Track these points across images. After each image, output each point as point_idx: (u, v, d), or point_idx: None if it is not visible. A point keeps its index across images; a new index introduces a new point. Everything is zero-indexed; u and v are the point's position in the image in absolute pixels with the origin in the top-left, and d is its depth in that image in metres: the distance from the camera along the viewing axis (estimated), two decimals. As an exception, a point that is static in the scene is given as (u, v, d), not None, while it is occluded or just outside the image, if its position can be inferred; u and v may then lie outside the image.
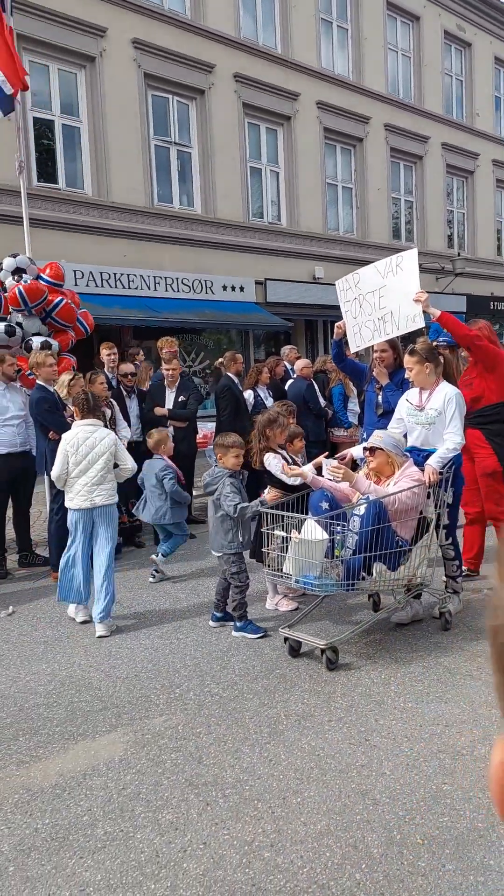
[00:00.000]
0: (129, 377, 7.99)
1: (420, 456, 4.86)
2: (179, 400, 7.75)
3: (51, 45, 12.94)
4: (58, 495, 6.46)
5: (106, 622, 5.15)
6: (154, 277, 14.32)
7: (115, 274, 13.67)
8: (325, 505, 4.68)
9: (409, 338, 5.71)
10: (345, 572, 4.44)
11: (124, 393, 7.86)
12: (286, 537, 4.53)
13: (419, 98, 20.54)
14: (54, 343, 7.47)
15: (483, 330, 5.59)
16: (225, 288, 15.59)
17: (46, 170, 13.32)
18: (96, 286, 13.37)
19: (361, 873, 2.59)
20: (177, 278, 14.70)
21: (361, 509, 4.45)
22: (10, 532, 7.31)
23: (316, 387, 9.07)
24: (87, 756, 3.49)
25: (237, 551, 4.93)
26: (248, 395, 8.56)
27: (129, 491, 7.63)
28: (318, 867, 2.64)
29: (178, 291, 14.75)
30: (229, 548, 4.93)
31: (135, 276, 13.99)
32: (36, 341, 7.35)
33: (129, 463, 5.44)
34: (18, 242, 8.98)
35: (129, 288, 13.91)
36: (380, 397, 5.76)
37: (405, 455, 4.80)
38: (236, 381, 8.60)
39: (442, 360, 5.05)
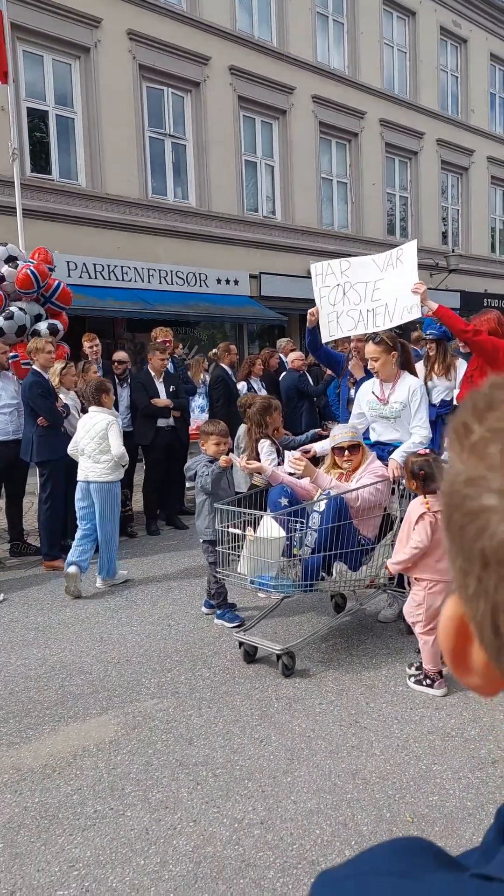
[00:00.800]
0: (117, 364, 7.93)
1: (385, 451, 4.69)
2: (171, 390, 7.72)
3: (45, 35, 12.87)
4: (46, 483, 6.44)
5: (105, 580, 5.85)
6: (148, 270, 14.28)
7: (108, 266, 13.63)
8: (283, 501, 4.47)
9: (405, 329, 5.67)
10: (303, 572, 4.22)
11: (116, 381, 7.82)
12: (241, 535, 4.28)
13: (414, 94, 20.54)
14: (59, 324, 7.45)
15: (489, 322, 5.45)
16: (219, 281, 15.57)
17: (40, 161, 13.27)
18: (90, 277, 13.32)
19: (351, 850, 2.60)
20: (171, 271, 14.67)
21: (321, 505, 4.26)
22: (1, 521, 7.29)
23: (309, 378, 9.07)
24: (77, 737, 3.49)
25: (213, 539, 4.91)
26: (242, 386, 8.56)
27: (122, 480, 7.63)
28: (308, 844, 2.64)
29: (172, 284, 14.72)
30: (205, 534, 4.94)
31: (128, 268, 13.95)
32: (43, 326, 7.31)
33: (113, 449, 5.74)
34: (11, 233, 8.95)
35: (123, 280, 13.87)
36: (352, 392, 5.47)
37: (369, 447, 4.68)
38: (230, 372, 8.61)
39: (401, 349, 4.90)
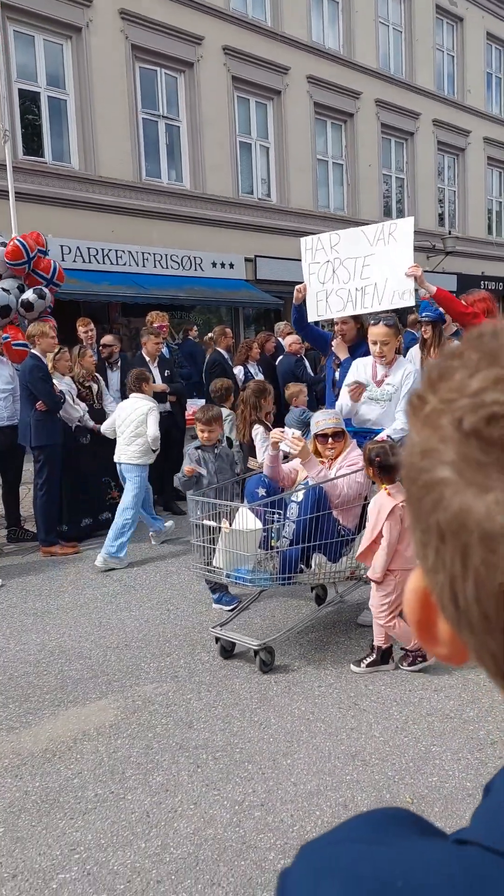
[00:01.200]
0: (103, 348, 7.87)
1: (365, 439, 4.53)
2: (166, 375, 7.68)
3: (36, 15, 12.69)
4: (42, 469, 6.41)
5: (105, 558, 5.88)
6: (142, 253, 14.18)
7: (102, 250, 13.53)
8: (261, 491, 4.31)
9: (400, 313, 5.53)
10: (281, 564, 4.07)
11: (106, 365, 7.78)
12: (216, 527, 4.10)
13: (410, 73, 20.34)
14: (47, 293, 7.37)
15: (484, 302, 5.32)
16: (214, 265, 15.47)
17: (32, 143, 13.13)
18: (83, 262, 13.23)
19: (351, 831, 2.61)
20: (165, 254, 14.57)
21: (300, 496, 4.12)
22: (-2, 507, 7.28)
23: (306, 362, 9.03)
24: (77, 722, 3.49)
25: None
26: (238, 370, 8.51)
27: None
28: (309, 825, 2.65)
29: (167, 268, 14.62)
30: None
31: (122, 251, 13.85)
32: (30, 294, 7.25)
33: (150, 431, 6.09)
34: (4, 217, 8.87)
35: (117, 264, 13.78)
36: (338, 374, 5.23)
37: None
38: (226, 356, 8.55)
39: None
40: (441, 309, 5.43)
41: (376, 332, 4.54)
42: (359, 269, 4.86)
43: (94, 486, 7.05)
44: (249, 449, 5.63)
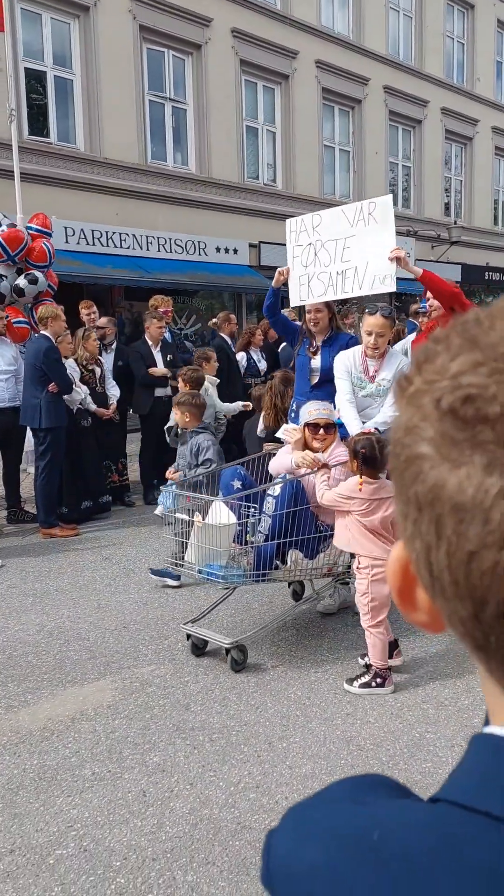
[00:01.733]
0: (98, 330, 7.85)
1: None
2: (168, 359, 7.67)
3: (44, -7, 12.56)
4: (45, 451, 6.43)
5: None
6: (146, 237, 14.11)
7: (106, 232, 13.47)
8: (236, 484, 4.15)
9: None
10: (255, 561, 3.94)
11: (101, 346, 7.77)
12: (189, 521, 3.96)
13: (420, 60, 20.16)
14: (40, 277, 7.34)
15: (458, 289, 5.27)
16: (218, 250, 15.40)
17: (38, 123, 13.03)
18: (87, 244, 13.17)
19: (345, 813, 2.64)
20: (169, 238, 14.50)
21: (276, 490, 3.98)
22: (-1, 488, 7.30)
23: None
24: (75, 702, 3.53)
25: None
26: (241, 356, 8.51)
27: (119, 449, 7.64)
28: (303, 807, 2.68)
29: (171, 252, 14.56)
30: None
31: (126, 234, 13.78)
32: (22, 281, 7.23)
33: (218, 406, 6.61)
34: (9, 197, 8.82)
35: (121, 247, 13.72)
36: (314, 362, 4.96)
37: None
38: (229, 342, 8.55)
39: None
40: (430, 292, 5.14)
41: (373, 322, 4.31)
42: (339, 252, 4.66)
43: (95, 469, 7.07)
44: (270, 434, 5.68)
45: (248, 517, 3.97)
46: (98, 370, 7.22)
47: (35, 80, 12.97)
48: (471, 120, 22.00)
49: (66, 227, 12.62)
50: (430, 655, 3.95)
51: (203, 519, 3.85)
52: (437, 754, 3.00)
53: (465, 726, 3.22)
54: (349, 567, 4.20)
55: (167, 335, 7.94)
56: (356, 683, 3.58)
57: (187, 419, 5.04)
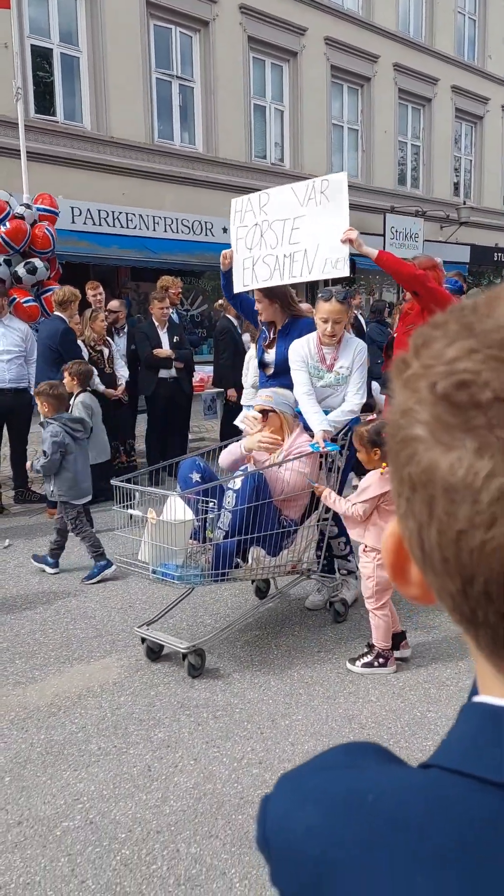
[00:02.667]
0: (111, 314, 7.87)
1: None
2: (174, 340, 7.67)
3: (49, -32, 12.41)
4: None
5: None
6: (153, 217, 14.04)
7: (113, 212, 13.41)
8: (195, 476, 3.88)
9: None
10: (213, 559, 3.67)
11: (112, 330, 7.78)
12: (142, 518, 3.68)
13: (430, 37, 19.86)
14: (40, 266, 7.31)
15: (433, 270, 4.94)
16: (226, 230, 15.26)
17: (44, 102, 12.94)
18: (94, 224, 13.12)
19: (346, 789, 2.69)
20: (176, 219, 14.43)
21: (237, 483, 3.74)
22: (6, 469, 7.34)
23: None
24: (81, 678, 3.58)
25: (62, 500, 4.96)
26: (247, 338, 8.49)
27: (127, 430, 7.66)
28: (304, 783, 2.73)
29: (178, 232, 14.49)
30: (51, 495, 5.03)
31: (133, 214, 13.72)
32: (21, 269, 7.22)
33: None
34: (15, 177, 8.79)
35: (128, 227, 13.66)
36: (268, 355, 4.61)
37: (296, 416, 4.13)
38: (236, 323, 8.52)
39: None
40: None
41: (328, 308, 4.03)
42: (287, 234, 4.34)
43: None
44: None
45: (206, 513, 3.68)
46: (106, 351, 7.23)
47: (41, 58, 12.86)
48: (481, 98, 21.71)
49: (72, 207, 12.57)
50: (432, 637, 3.98)
51: (157, 515, 3.58)
52: (438, 733, 3.04)
53: (466, 706, 3.26)
54: (316, 564, 4.16)
55: (174, 316, 7.92)
56: (359, 663, 3.61)
57: (45, 409, 5.01)
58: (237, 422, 4.08)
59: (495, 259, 22.06)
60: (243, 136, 15.67)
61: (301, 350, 4.16)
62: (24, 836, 2.50)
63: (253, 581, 4.48)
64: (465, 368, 0.43)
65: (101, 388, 6.98)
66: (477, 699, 0.50)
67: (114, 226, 13.42)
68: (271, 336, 4.60)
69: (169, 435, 7.85)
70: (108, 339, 7.32)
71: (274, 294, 4.47)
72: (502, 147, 23.01)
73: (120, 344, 7.81)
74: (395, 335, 5.67)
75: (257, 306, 4.58)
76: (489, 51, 21.78)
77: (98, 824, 2.54)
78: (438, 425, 0.44)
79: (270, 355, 4.58)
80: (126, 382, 7.43)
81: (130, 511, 3.72)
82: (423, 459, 0.45)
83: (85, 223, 12.92)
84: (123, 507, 3.73)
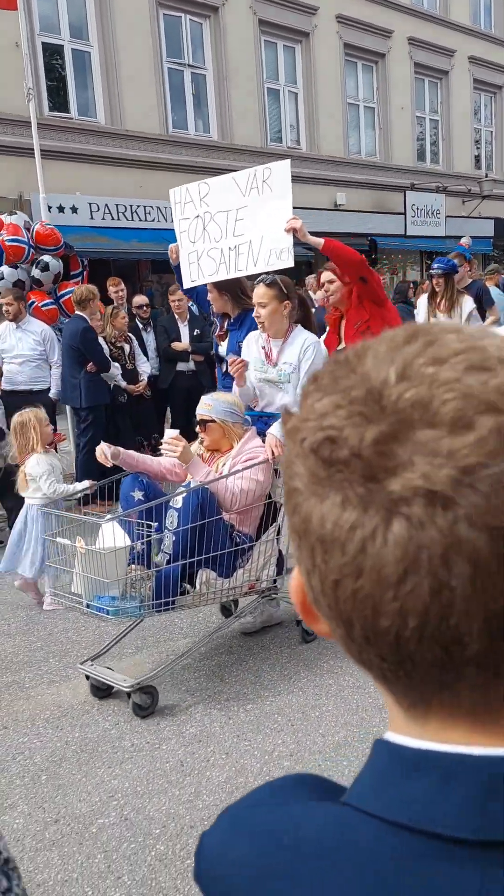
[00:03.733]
0: (144, 308, 7.92)
1: (265, 423, 3.86)
2: (195, 333, 7.68)
3: (56, -36, 12.39)
4: (88, 428, 6.56)
5: None
6: (170, 208, 14.00)
7: (131, 206, 13.42)
8: (137, 494, 3.51)
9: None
10: (155, 587, 3.30)
11: (140, 326, 7.81)
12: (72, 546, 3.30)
13: (444, 7, 19.44)
14: (51, 261, 7.28)
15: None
16: (244, 218, 15.25)
17: (58, 98, 12.97)
18: (112, 219, 13.15)
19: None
20: (194, 209, 14.39)
21: (179, 501, 3.38)
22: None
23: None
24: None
25: None
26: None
27: (151, 425, 7.71)
28: (336, 775, 2.74)
29: (196, 222, 14.45)
30: None
31: (151, 207, 13.71)
32: (35, 270, 7.26)
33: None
34: (31, 175, 8.85)
35: (146, 220, 13.67)
36: (221, 348, 4.44)
37: (246, 421, 3.79)
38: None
39: (297, 302, 3.89)
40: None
41: (256, 293, 3.83)
42: (231, 226, 4.18)
43: (130, 445, 7.16)
44: None
45: (147, 536, 3.32)
46: (127, 347, 7.27)
47: (53, 55, 12.88)
48: (500, 67, 21.22)
49: (90, 203, 12.62)
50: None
51: (88, 543, 3.23)
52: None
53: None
54: (275, 582, 3.79)
55: (193, 308, 7.93)
56: None
57: None
58: (163, 450, 3.56)
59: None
60: (258, 121, 15.55)
61: (250, 340, 4.01)
62: (62, 833, 2.55)
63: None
64: (329, 425, 0.45)
65: (124, 384, 7.03)
66: (385, 735, 0.51)
67: (132, 219, 13.45)
68: (223, 328, 4.49)
69: (189, 428, 7.88)
70: (130, 335, 7.36)
71: (223, 286, 4.36)
72: (524, 116, 22.49)
73: (149, 339, 7.85)
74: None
75: (209, 297, 4.48)
76: (506, 17, 21.24)
77: (133, 820, 2.58)
78: (311, 478, 0.46)
79: (223, 348, 4.46)
80: (150, 377, 7.47)
81: (58, 539, 3.39)
82: (302, 510, 0.46)
83: (104, 218, 12.96)
84: (52, 535, 3.45)
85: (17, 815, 2.66)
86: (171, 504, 3.43)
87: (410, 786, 0.46)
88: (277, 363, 3.86)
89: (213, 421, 3.62)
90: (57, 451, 5.09)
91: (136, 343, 7.45)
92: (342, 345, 4.44)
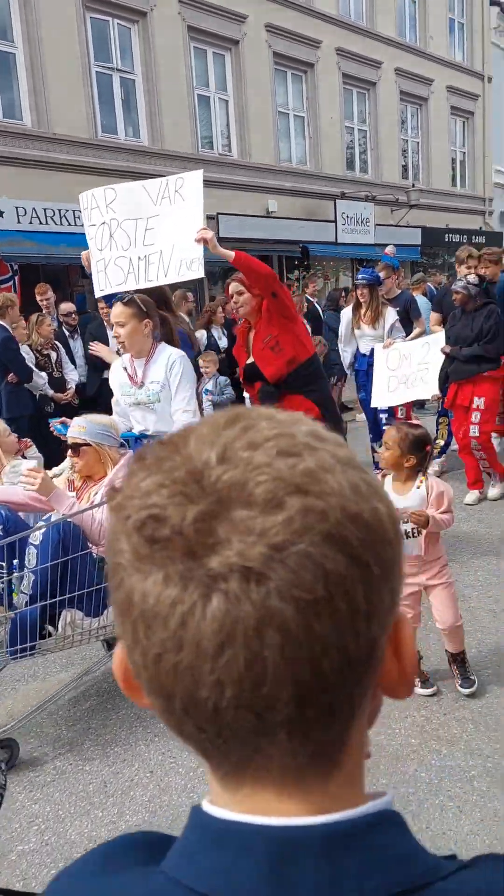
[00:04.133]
0: (73, 316, 7.82)
1: (142, 445, 3.29)
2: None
3: (-21, -38, 12.11)
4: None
5: None
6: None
7: (59, 210, 13.21)
8: None
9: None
10: (10, 632, 3.01)
11: (67, 333, 7.70)
12: None
13: (371, 20, 19.85)
14: None
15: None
16: (175, 223, 15.20)
17: (-18, 100, 12.67)
18: (40, 223, 12.92)
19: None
20: (125, 214, 14.27)
21: (38, 536, 3.08)
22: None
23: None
24: (36, 695, 3.55)
25: None
26: (201, 334, 8.47)
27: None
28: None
29: (127, 228, 14.34)
30: None
31: (79, 211, 13.50)
32: None
33: None
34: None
35: (75, 224, 13.43)
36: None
37: (122, 444, 3.57)
38: (187, 320, 8.49)
39: (158, 320, 3.76)
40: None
41: (113, 312, 3.73)
42: (140, 235, 4.05)
43: (60, 457, 7.04)
44: None
45: (9, 573, 3.06)
46: (54, 354, 7.15)
47: (-24, 55, 12.57)
48: (425, 80, 21.81)
49: (17, 207, 12.38)
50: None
51: None
52: (391, 726, 3.09)
53: (416, 696, 3.31)
54: None
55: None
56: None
57: None
58: (20, 479, 3.25)
59: (447, 240, 22.25)
60: (188, 128, 15.53)
61: (116, 368, 3.90)
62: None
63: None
64: (153, 503, 0.47)
65: (51, 392, 6.91)
66: (202, 804, 0.53)
67: (61, 224, 13.24)
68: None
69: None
70: (57, 342, 7.24)
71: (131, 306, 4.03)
72: (448, 128, 23.18)
73: (76, 347, 7.74)
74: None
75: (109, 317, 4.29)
76: (430, 32, 21.86)
77: (53, 845, 2.54)
78: (134, 555, 0.47)
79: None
80: (78, 385, 7.36)
81: None
82: (126, 586, 0.48)
83: (31, 222, 12.72)
84: None
85: None
86: (30, 540, 3.10)
87: (216, 855, 0.48)
88: (144, 384, 3.71)
89: (86, 444, 3.37)
90: (26, 458, 4.89)
91: (63, 351, 7.33)
92: (250, 359, 4.36)
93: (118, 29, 14.35)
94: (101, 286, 4.22)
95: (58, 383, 7.08)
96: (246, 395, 5.19)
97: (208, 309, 8.73)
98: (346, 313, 6.62)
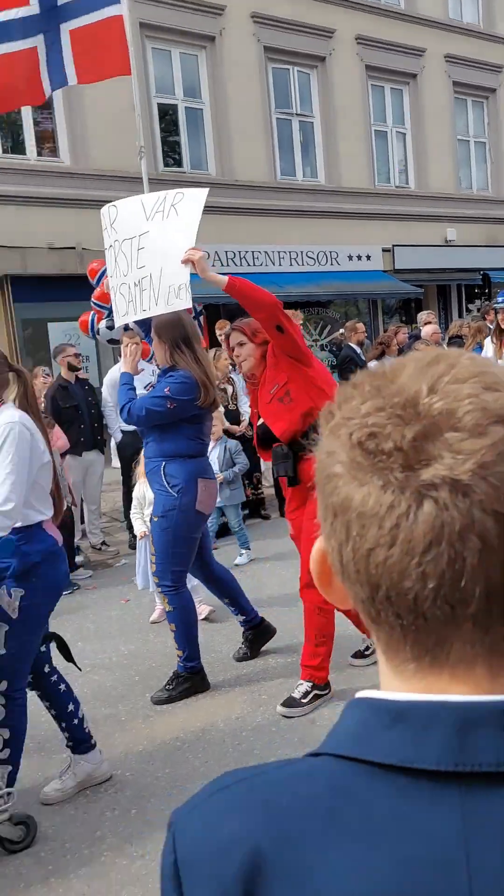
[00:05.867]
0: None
1: None
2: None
3: (170, 30, 13.14)
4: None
5: None
6: (278, 252, 14.34)
7: (239, 252, 13.84)
8: None
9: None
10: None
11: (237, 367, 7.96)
12: None
13: None
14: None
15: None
16: (350, 258, 15.35)
17: (172, 155, 13.66)
18: (222, 265, 13.59)
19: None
20: (301, 251, 14.64)
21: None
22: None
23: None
24: (206, 713, 3.65)
25: None
26: (372, 365, 8.43)
27: (254, 465, 7.79)
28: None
29: (303, 265, 14.69)
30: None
31: (259, 252, 14.08)
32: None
33: None
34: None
35: (254, 265, 14.03)
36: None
37: None
38: (359, 351, 8.51)
39: (11, 377, 2.80)
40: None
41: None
42: (134, 256, 3.57)
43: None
44: None
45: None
46: (230, 388, 7.43)
47: (168, 114, 13.61)
48: None
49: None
50: None
51: None
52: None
53: None
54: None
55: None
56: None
57: None
58: None
59: None
60: (365, 164, 15.72)
61: None
62: (147, 869, 2.57)
63: None
64: (374, 423, 0.54)
65: (227, 424, 7.17)
66: (360, 694, 0.57)
67: (240, 265, 13.84)
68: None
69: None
70: (233, 377, 7.52)
71: (160, 331, 3.68)
72: None
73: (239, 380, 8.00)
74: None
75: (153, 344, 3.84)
76: None
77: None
78: (353, 465, 0.55)
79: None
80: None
81: None
82: (342, 492, 0.55)
83: (213, 265, 13.40)
84: None
85: (105, 849, 2.71)
86: None
87: (401, 729, 0.53)
88: None
89: None
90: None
91: (237, 384, 7.61)
92: (260, 420, 3.66)
93: (297, 75, 14.92)
94: (116, 317, 3.87)
95: (233, 416, 7.34)
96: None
97: (381, 341, 8.67)
98: (487, 342, 6.24)
